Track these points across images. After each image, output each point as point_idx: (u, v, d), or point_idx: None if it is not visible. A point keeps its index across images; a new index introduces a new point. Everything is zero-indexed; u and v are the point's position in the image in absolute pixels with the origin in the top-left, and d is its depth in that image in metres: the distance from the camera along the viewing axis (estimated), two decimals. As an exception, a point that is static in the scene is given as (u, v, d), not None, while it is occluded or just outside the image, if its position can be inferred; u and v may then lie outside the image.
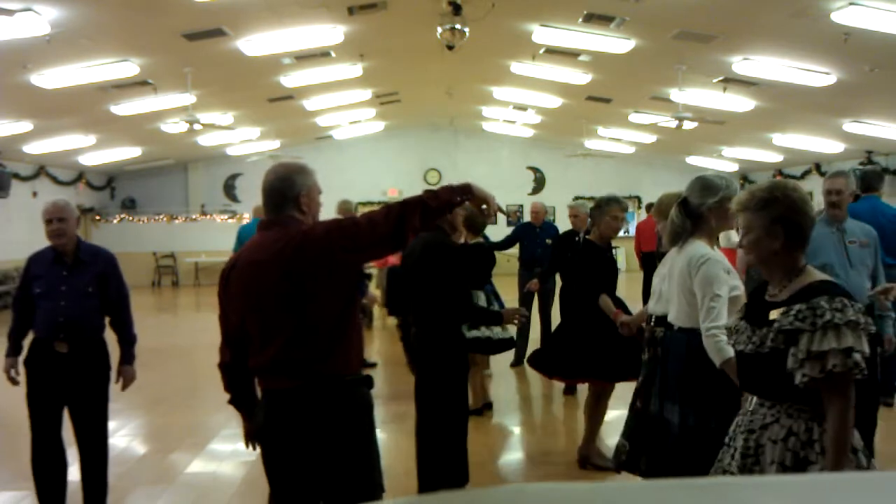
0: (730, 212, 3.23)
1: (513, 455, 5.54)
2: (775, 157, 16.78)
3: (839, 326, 2.09)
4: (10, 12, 7.03)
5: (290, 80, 12.01)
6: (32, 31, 7.64)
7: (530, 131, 19.01)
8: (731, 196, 3.25)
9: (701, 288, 3.14)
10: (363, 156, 20.16)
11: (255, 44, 9.67)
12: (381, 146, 20.45)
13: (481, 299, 6.00)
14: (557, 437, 5.91)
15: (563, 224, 7.45)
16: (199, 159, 19.43)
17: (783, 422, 2.23)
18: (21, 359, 3.93)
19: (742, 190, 3.34)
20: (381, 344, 9.63)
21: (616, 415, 5.77)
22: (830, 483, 1.01)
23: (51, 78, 9.62)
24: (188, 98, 11.14)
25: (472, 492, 0.82)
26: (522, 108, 16.07)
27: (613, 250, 5.21)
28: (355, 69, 12.13)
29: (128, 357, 4.04)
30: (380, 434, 2.88)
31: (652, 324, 3.78)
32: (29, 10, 7.25)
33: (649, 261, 11.28)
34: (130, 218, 18.86)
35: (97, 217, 18.49)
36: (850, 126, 12.70)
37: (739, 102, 11.93)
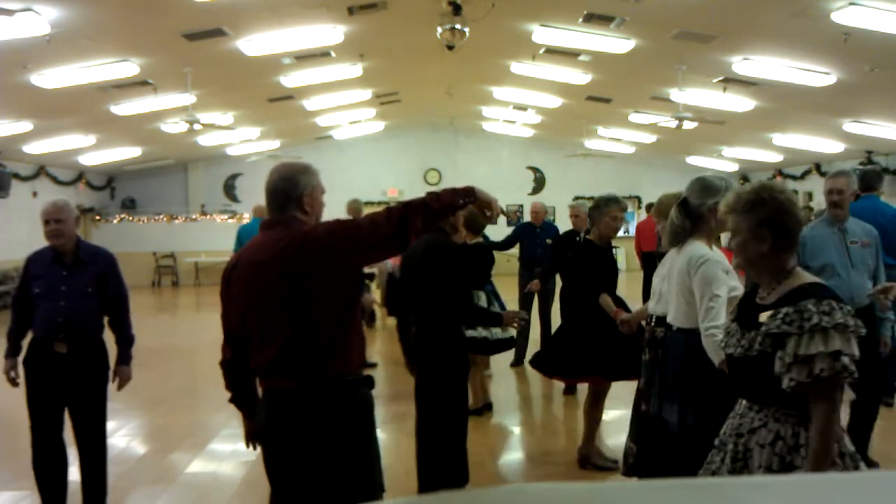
0: None
1: (513, 455, 5.54)
2: (775, 157, 16.78)
3: (827, 330, 2.07)
4: (10, 12, 7.03)
5: (290, 80, 12.02)
6: (32, 31, 7.64)
7: (530, 131, 19.01)
8: None
9: (700, 288, 3.14)
10: (363, 156, 20.17)
11: (255, 44, 9.67)
12: (381, 146, 20.45)
13: (482, 299, 6.01)
14: (557, 437, 5.91)
15: (564, 224, 7.45)
16: (199, 159, 19.43)
17: (770, 426, 2.22)
18: (20, 359, 3.93)
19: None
20: (381, 344, 9.63)
21: (616, 415, 5.78)
22: (830, 483, 1.01)
23: (51, 78, 9.62)
24: (188, 98, 11.14)
25: (472, 492, 0.82)
26: (522, 108, 16.07)
27: (613, 250, 5.21)
28: (355, 69, 12.13)
29: (125, 357, 4.03)
30: (380, 434, 2.88)
31: (652, 324, 3.78)
32: (29, 10, 7.25)
33: (649, 261, 11.28)
34: (130, 218, 18.86)
35: (97, 217, 18.49)
36: (850, 126, 12.70)
37: (739, 102, 11.93)
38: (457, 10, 8.58)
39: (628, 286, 10.92)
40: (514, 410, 6.68)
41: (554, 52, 10.87)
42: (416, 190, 19.86)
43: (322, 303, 2.51)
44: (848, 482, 1.00)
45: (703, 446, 2.99)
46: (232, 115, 14.08)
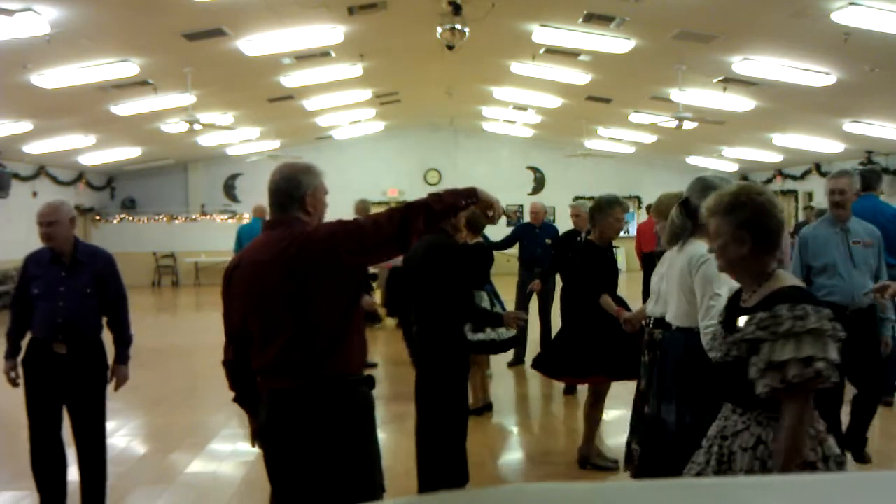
0: None
1: (513, 455, 5.54)
2: (775, 157, 16.78)
3: (799, 335, 2.05)
4: (10, 12, 7.03)
5: (290, 80, 12.01)
6: (32, 31, 7.64)
7: (530, 131, 19.01)
8: None
9: (701, 287, 3.15)
10: (363, 156, 20.17)
11: (255, 44, 9.67)
12: (381, 146, 20.45)
13: (484, 300, 6.00)
14: (557, 437, 5.91)
15: (564, 224, 7.46)
16: (199, 159, 19.43)
17: (753, 430, 2.20)
18: (19, 359, 3.93)
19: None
20: (381, 344, 9.63)
21: (616, 415, 5.78)
22: (830, 483, 1.01)
23: (51, 78, 9.62)
24: (188, 98, 11.14)
25: (472, 492, 0.82)
26: (522, 108, 16.07)
27: (614, 250, 5.21)
28: (355, 69, 12.13)
29: (122, 357, 4.02)
30: (380, 434, 2.88)
31: (650, 326, 3.77)
32: (29, 10, 7.25)
33: (649, 261, 11.29)
34: (130, 218, 18.86)
35: (97, 217, 18.49)
36: (850, 126, 12.69)
37: (739, 102, 11.93)
38: (457, 10, 8.58)
39: (628, 286, 10.92)
40: (514, 410, 6.68)
41: (554, 52, 10.87)
42: (416, 190, 19.87)
43: (323, 303, 2.51)
44: (848, 482, 1.00)
45: (700, 445, 3.00)
46: (232, 115, 14.08)
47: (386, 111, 17.32)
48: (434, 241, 4.03)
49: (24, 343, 3.93)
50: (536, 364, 5.17)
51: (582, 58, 10.97)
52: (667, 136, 15.36)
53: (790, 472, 2.03)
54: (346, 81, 12.93)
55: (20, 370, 3.90)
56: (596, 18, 9.14)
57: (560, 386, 6.84)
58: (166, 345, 10.56)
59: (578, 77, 12.11)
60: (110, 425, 5.98)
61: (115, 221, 18.69)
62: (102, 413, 3.97)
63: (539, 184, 21.01)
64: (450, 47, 9.36)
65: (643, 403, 3.76)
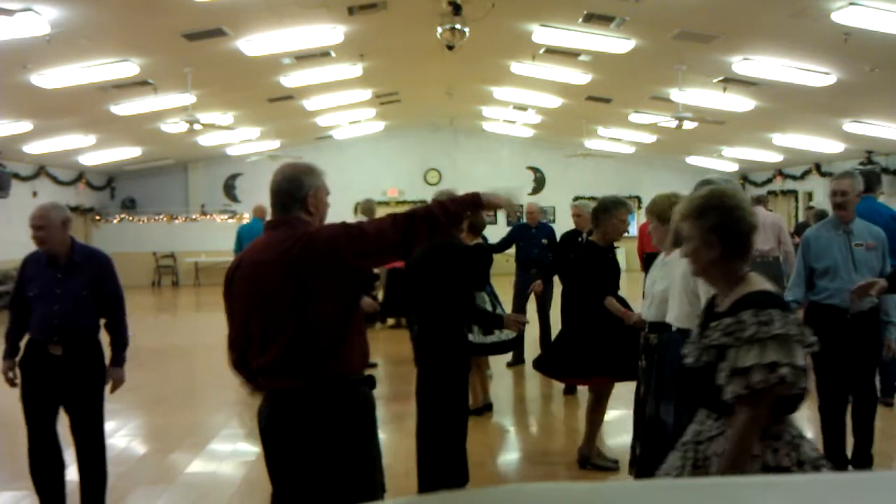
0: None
1: (512, 455, 5.54)
2: (775, 157, 16.79)
3: (763, 340, 2.03)
4: (10, 12, 7.03)
5: (290, 80, 12.01)
6: (32, 31, 7.64)
7: (530, 131, 19.01)
8: None
9: (706, 291, 3.13)
10: (363, 156, 20.17)
11: (255, 44, 9.67)
12: (381, 146, 20.45)
13: (485, 301, 6.00)
14: (557, 437, 5.91)
15: (564, 224, 7.45)
16: (199, 159, 19.43)
17: (727, 434, 2.18)
18: (17, 359, 3.92)
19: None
20: (381, 344, 9.63)
21: (616, 415, 5.78)
22: (831, 483, 1.01)
23: (51, 78, 9.62)
24: (188, 98, 11.14)
25: (472, 492, 0.82)
26: (522, 108, 16.07)
27: (615, 251, 5.20)
28: (355, 69, 12.13)
29: (118, 360, 3.99)
30: (380, 434, 2.88)
31: (646, 330, 3.76)
32: (29, 10, 7.25)
33: (651, 262, 11.30)
34: (130, 218, 18.86)
35: (97, 217, 18.49)
36: (850, 126, 12.69)
37: (739, 102, 11.93)
38: (457, 10, 8.58)
39: (629, 286, 10.92)
40: (514, 410, 6.68)
41: (554, 52, 10.87)
42: (416, 190, 19.88)
43: (324, 303, 2.52)
44: (849, 482, 1.00)
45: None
46: (232, 115, 14.08)
47: (386, 111, 17.32)
48: (436, 241, 4.04)
49: (23, 344, 3.93)
50: (538, 365, 5.16)
51: (582, 58, 10.97)
52: (667, 136, 15.36)
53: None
54: (346, 81, 12.93)
55: (18, 371, 3.90)
56: (596, 18, 9.14)
57: (560, 386, 6.84)
58: (166, 345, 10.56)
59: (578, 77, 12.11)
60: (110, 425, 5.99)
61: (115, 221, 18.69)
62: (100, 414, 3.96)
63: (539, 184, 21.01)
64: (450, 47, 9.36)
65: (643, 408, 3.75)
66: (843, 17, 7.53)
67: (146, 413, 6.61)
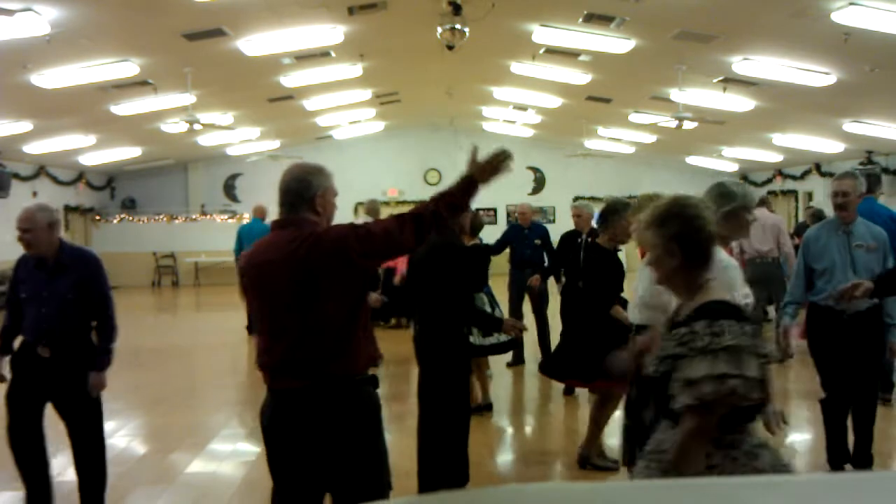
0: (744, 221, 3.23)
1: (512, 455, 5.54)
2: (775, 157, 16.79)
3: (715, 352, 2.02)
4: (10, 12, 7.03)
5: (290, 80, 12.01)
6: (32, 31, 7.64)
7: (530, 131, 19.01)
8: (747, 205, 3.25)
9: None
10: (363, 156, 20.16)
11: (255, 44, 9.67)
12: (381, 146, 20.45)
13: (484, 302, 6.01)
14: (557, 438, 5.91)
15: (565, 224, 7.43)
16: (199, 159, 19.43)
17: (673, 441, 2.17)
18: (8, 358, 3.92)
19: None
20: (381, 344, 9.62)
21: (617, 415, 5.78)
22: (830, 483, 1.01)
23: (51, 78, 9.61)
24: (188, 98, 11.14)
25: (472, 492, 0.82)
26: (522, 108, 16.07)
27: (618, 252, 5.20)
28: (355, 69, 12.13)
29: (98, 363, 3.86)
30: (380, 434, 2.88)
31: (635, 335, 3.75)
32: (29, 10, 7.25)
33: None
34: (130, 218, 18.85)
35: (97, 217, 18.49)
36: (850, 126, 12.69)
37: (739, 102, 11.93)
38: (457, 10, 8.58)
39: (629, 287, 10.90)
40: (514, 410, 6.68)
41: (554, 52, 10.87)
42: (416, 190, 19.86)
43: (331, 303, 2.54)
44: (849, 482, 1.00)
45: None
46: (232, 115, 14.08)
47: (386, 111, 17.32)
48: (438, 241, 4.05)
49: (17, 344, 3.93)
50: (544, 369, 5.16)
51: (582, 58, 10.97)
52: (667, 136, 15.36)
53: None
54: (346, 81, 12.92)
55: (8, 368, 3.89)
56: (596, 18, 9.14)
57: (560, 386, 6.84)
58: (166, 345, 10.56)
59: (578, 77, 12.11)
60: (110, 425, 5.99)
61: (115, 221, 18.69)
62: (96, 415, 3.92)
63: (539, 184, 21.00)
64: (450, 47, 9.36)
65: (634, 411, 3.74)
66: (843, 17, 7.53)
67: (146, 413, 6.61)
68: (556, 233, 7.83)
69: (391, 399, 6.57)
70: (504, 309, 7.18)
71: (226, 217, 19.05)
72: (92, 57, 9.30)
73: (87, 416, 3.90)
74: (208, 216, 19.21)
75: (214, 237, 18.33)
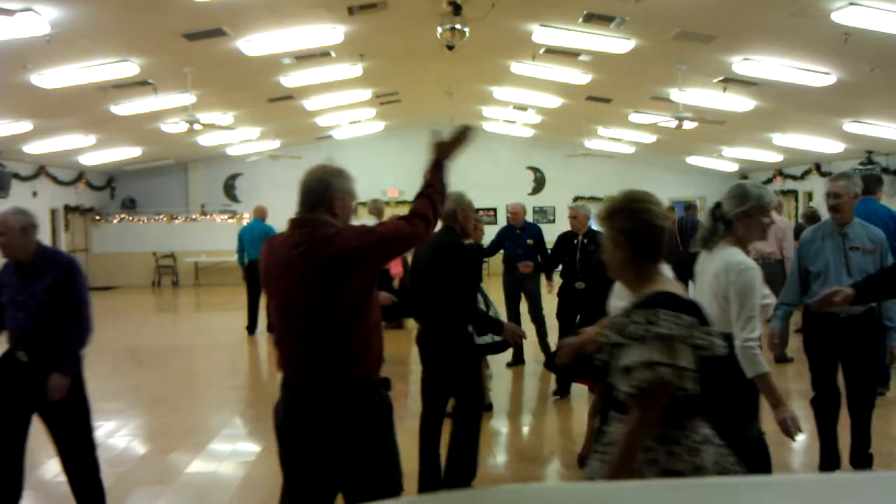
0: (759, 223, 3.22)
1: (512, 455, 5.54)
2: (775, 157, 16.78)
3: (645, 339, 2.05)
4: (10, 12, 7.03)
5: (290, 80, 12.01)
6: (32, 31, 7.64)
7: (530, 131, 19.00)
8: (761, 207, 3.25)
9: (739, 297, 3.10)
10: (363, 156, 20.14)
11: (255, 44, 9.67)
12: (381, 146, 20.44)
13: (480, 301, 6.01)
14: (557, 437, 5.91)
15: (566, 224, 7.40)
16: (199, 159, 19.43)
17: (619, 433, 2.19)
18: None
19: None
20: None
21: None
22: (831, 483, 1.01)
23: (51, 78, 9.61)
24: (188, 98, 11.14)
25: (472, 492, 0.82)
26: (522, 108, 16.06)
27: None
28: (355, 69, 12.13)
29: (61, 366, 3.70)
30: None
31: None
32: (29, 10, 7.25)
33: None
34: (130, 218, 18.86)
35: (97, 217, 18.49)
36: (850, 126, 12.69)
37: (739, 102, 11.93)
38: (457, 10, 8.57)
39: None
40: (513, 410, 6.68)
41: (554, 52, 10.87)
42: (416, 190, 19.78)
43: (341, 302, 2.59)
44: (849, 482, 1.00)
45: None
46: (232, 115, 14.08)
47: (386, 111, 17.32)
48: (440, 241, 4.08)
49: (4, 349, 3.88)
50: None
51: (582, 58, 10.97)
52: (667, 136, 15.36)
53: (621, 476, 2.00)
54: (346, 81, 12.92)
55: None
56: (596, 18, 9.13)
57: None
58: (166, 345, 10.57)
59: (578, 77, 12.11)
60: (110, 425, 6.00)
61: (115, 221, 18.69)
62: (84, 420, 3.83)
63: (539, 184, 21.00)
64: (450, 47, 9.35)
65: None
66: (843, 17, 7.52)
67: (146, 413, 6.61)
68: (556, 233, 7.83)
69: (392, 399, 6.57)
70: (501, 309, 7.18)
71: (226, 217, 19.06)
72: (92, 57, 9.30)
73: (71, 423, 3.80)
74: (208, 216, 19.22)
75: (214, 237, 18.33)
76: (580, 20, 9.28)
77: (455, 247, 4.18)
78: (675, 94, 11.48)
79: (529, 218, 9.88)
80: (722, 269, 3.18)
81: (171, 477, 4.86)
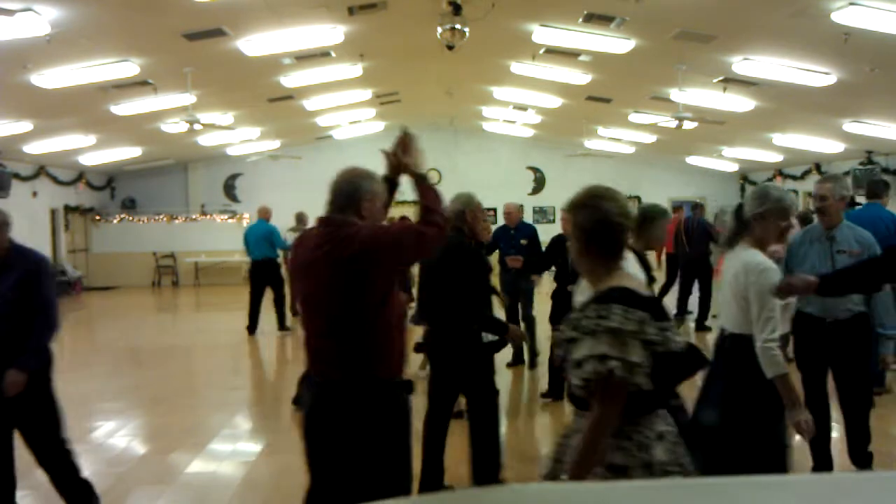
0: (776, 226, 3.23)
1: (511, 455, 5.54)
2: (775, 157, 16.78)
3: (595, 333, 2.07)
4: (10, 12, 7.03)
5: (290, 80, 12.01)
6: (32, 31, 7.64)
7: (530, 131, 19.01)
8: (778, 210, 3.25)
9: (758, 298, 3.11)
10: (363, 156, 19.81)
11: (255, 44, 9.67)
12: (381, 146, 20.31)
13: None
14: (556, 438, 5.90)
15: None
16: (199, 159, 19.42)
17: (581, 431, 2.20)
18: None
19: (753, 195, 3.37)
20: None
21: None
22: (831, 483, 1.01)
23: (51, 78, 9.61)
24: (188, 98, 11.14)
25: (472, 492, 0.82)
26: (522, 108, 16.06)
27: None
28: (355, 69, 12.13)
29: (20, 362, 3.62)
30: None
31: None
32: (29, 10, 7.24)
33: (672, 262, 11.30)
34: (130, 218, 18.86)
35: (97, 217, 18.49)
36: (850, 126, 12.69)
37: (739, 102, 11.93)
38: (457, 10, 8.57)
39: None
40: (513, 410, 6.67)
41: (554, 52, 10.87)
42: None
43: (364, 301, 2.63)
44: (849, 482, 1.00)
45: (740, 452, 3.05)
46: (232, 115, 14.08)
47: (386, 111, 17.31)
48: (449, 241, 4.10)
49: None
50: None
51: (582, 58, 10.97)
52: (667, 136, 15.36)
53: (582, 472, 2.01)
54: (346, 81, 12.92)
55: None
56: (596, 18, 9.13)
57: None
58: (166, 345, 10.57)
59: (578, 77, 12.10)
60: (110, 425, 6.00)
61: (115, 221, 18.69)
62: (49, 419, 3.74)
63: (539, 184, 21.00)
64: (450, 47, 9.35)
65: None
66: (843, 17, 7.52)
67: (146, 413, 6.61)
68: (556, 233, 7.81)
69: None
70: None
71: (226, 217, 19.06)
72: (92, 57, 9.30)
73: (36, 422, 3.73)
74: (208, 216, 19.21)
75: (214, 237, 18.33)
76: (580, 20, 9.28)
77: (463, 248, 4.21)
78: (675, 94, 11.48)
79: (529, 218, 9.86)
80: (741, 270, 3.21)
81: (171, 477, 4.86)
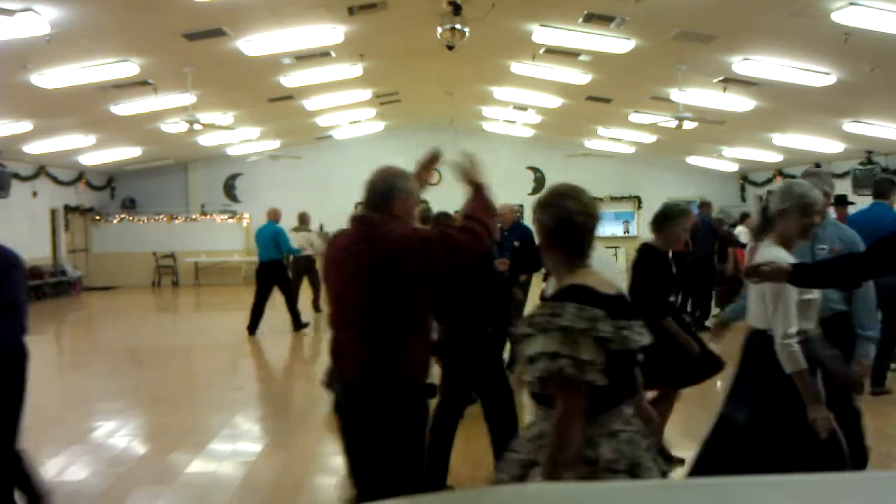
0: (798, 222, 3.24)
1: (513, 455, 5.54)
2: (775, 157, 16.78)
3: (548, 330, 2.09)
4: (10, 12, 7.03)
5: (290, 80, 12.01)
6: (32, 31, 7.64)
7: (530, 131, 19.01)
8: (800, 206, 3.25)
9: (775, 295, 3.13)
10: (363, 156, 20.12)
11: (255, 44, 9.67)
12: (381, 146, 20.41)
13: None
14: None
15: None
16: (199, 159, 19.42)
17: (542, 427, 2.22)
18: None
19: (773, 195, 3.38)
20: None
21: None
22: (831, 483, 1.01)
23: (51, 78, 9.62)
24: (188, 98, 11.14)
25: (472, 492, 0.82)
26: (522, 108, 16.06)
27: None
28: (355, 69, 12.13)
29: None
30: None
31: None
32: (29, 10, 7.25)
33: (679, 262, 11.27)
34: (130, 218, 18.86)
35: (97, 217, 18.49)
36: (850, 126, 12.69)
37: (739, 102, 11.93)
38: (457, 10, 8.57)
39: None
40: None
41: (554, 52, 10.87)
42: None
43: (392, 301, 2.64)
44: (849, 482, 1.00)
45: (765, 446, 3.07)
46: (232, 115, 14.08)
47: (386, 111, 17.32)
48: None
49: None
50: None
51: (582, 58, 10.97)
52: (667, 136, 15.36)
53: (556, 471, 2.00)
54: (346, 81, 12.92)
55: None
56: (596, 18, 9.13)
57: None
58: (166, 345, 10.57)
59: (578, 77, 12.11)
60: (110, 425, 6.01)
61: (115, 221, 18.70)
62: (11, 425, 3.63)
63: (539, 184, 20.99)
64: (450, 47, 9.35)
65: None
66: (843, 17, 7.52)
67: (146, 413, 6.61)
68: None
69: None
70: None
71: (226, 217, 19.06)
72: (92, 57, 9.30)
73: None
74: (208, 216, 19.21)
75: (214, 237, 18.33)
76: (580, 20, 9.28)
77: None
78: (675, 94, 11.48)
79: (529, 218, 9.74)
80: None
81: (171, 477, 4.86)
